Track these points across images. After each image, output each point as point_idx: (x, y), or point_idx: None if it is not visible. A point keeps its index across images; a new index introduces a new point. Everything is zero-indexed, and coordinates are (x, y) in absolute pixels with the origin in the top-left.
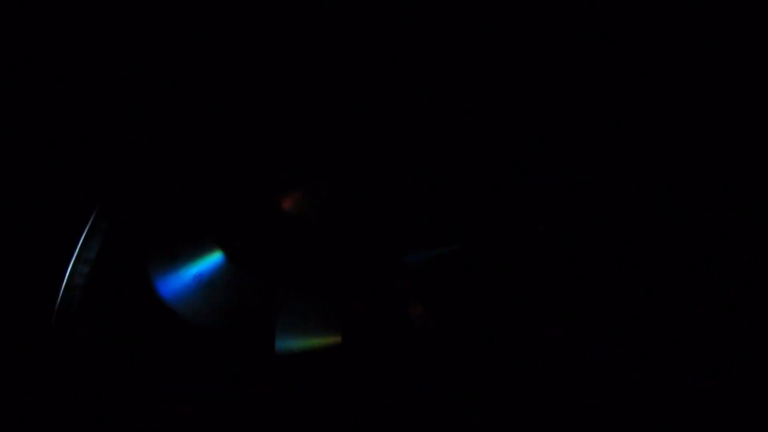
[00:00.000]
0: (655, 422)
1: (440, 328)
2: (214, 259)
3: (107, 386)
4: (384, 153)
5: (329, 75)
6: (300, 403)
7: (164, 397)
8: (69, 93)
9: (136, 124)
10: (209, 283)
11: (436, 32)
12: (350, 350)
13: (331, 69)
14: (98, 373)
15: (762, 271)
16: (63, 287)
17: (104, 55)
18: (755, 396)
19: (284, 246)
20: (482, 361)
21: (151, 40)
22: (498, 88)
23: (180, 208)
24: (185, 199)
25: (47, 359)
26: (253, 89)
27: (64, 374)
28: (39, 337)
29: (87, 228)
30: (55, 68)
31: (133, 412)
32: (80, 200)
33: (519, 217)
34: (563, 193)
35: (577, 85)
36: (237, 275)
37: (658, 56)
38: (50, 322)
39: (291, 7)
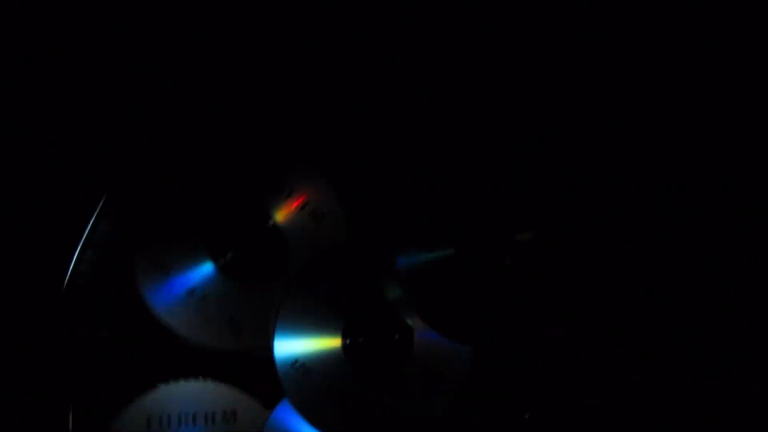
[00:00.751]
0: (655, 422)
1: (437, 334)
2: (205, 270)
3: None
4: (379, 153)
5: (328, 75)
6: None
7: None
8: (75, 90)
9: (137, 123)
10: (201, 296)
11: (436, 32)
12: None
13: (330, 69)
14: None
15: (762, 271)
16: (68, 276)
17: (105, 55)
18: (755, 396)
19: (276, 256)
20: (482, 362)
21: (151, 40)
22: (497, 89)
23: (171, 219)
24: (177, 209)
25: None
26: (251, 90)
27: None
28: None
29: (90, 222)
30: (57, 68)
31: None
32: (82, 196)
33: (517, 221)
34: (562, 195)
35: (577, 86)
36: (229, 287)
37: (658, 56)
38: (55, 310)
39: (291, 7)
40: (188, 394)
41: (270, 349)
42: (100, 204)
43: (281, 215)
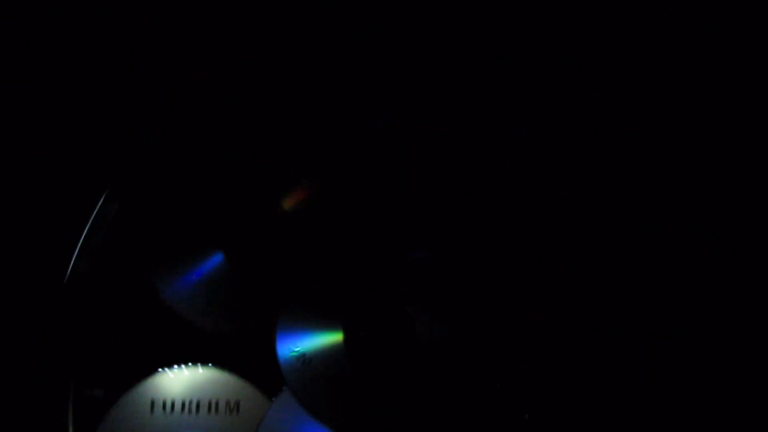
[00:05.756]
0: (656, 422)
1: (441, 330)
2: (214, 260)
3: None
4: (383, 153)
5: (328, 75)
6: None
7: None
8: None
9: (140, 122)
10: (210, 284)
11: (435, 33)
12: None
13: (330, 69)
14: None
15: (762, 271)
16: (67, 275)
17: (110, 54)
18: (755, 396)
19: (284, 246)
20: (482, 362)
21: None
22: (499, 91)
23: (180, 210)
24: (186, 201)
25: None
26: (253, 89)
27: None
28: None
29: (91, 218)
30: (63, 66)
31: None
32: (84, 194)
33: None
34: (563, 195)
35: (578, 86)
36: (237, 275)
37: (658, 56)
38: (54, 310)
39: (291, 7)
40: (194, 381)
41: (273, 341)
42: (105, 194)
43: (288, 205)
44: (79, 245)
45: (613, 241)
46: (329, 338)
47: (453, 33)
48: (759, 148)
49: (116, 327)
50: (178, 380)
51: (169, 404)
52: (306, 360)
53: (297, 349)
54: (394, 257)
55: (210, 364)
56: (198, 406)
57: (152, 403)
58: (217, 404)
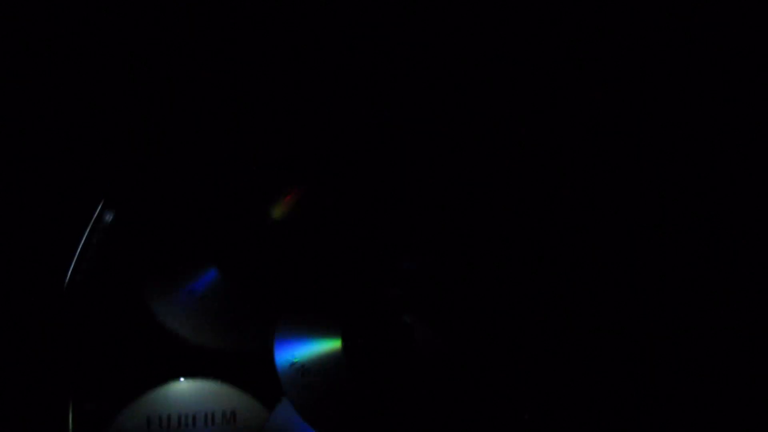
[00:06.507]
0: (655, 422)
1: (435, 336)
2: (207, 273)
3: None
4: (378, 157)
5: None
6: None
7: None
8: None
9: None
10: (203, 298)
11: (435, 33)
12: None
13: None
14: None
15: (762, 271)
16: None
17: (104, 55)
18: (755, 396)
19: (277, 256)
20: (480, 366)
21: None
22: (496, 93)
23: (172, 223)
24: (177, 213)
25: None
26: (244, 93)
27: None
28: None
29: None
30: (56, 68)
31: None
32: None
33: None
34: (563, 195)
35: (578, 86)
36: (231, 288)
37: (658, 57)
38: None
39: (288, 8)
40: (188, 394)
41: (271, 351)
42: (100, 205)
43: (279, 212)
44: (72, 260)
45: (613, 241)
46: (327, 346)
47: (453, 33)
48: (759, 148)
49: (107, 343)
50: (172, 395)
51: (165, 420)
52: (304, 369)
53: (296, 360)
54: (390, 263)
55: (201, 376)
56: (194, 419)
57: (148, 421)
58: (213, 416)
